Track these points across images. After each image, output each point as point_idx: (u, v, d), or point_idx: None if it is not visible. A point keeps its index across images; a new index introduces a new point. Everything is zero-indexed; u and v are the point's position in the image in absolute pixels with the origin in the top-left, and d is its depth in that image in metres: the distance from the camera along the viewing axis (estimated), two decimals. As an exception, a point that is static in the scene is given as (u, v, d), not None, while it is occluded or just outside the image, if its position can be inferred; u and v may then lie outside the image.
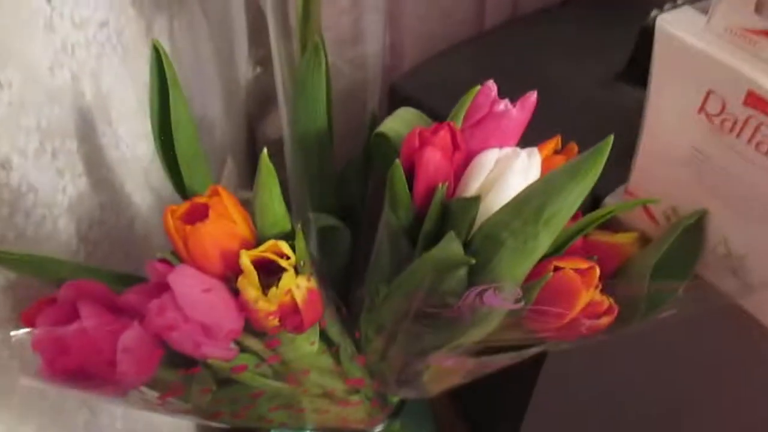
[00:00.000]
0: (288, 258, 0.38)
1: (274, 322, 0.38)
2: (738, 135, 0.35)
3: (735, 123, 0.35)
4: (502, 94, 0.41)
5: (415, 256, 0.41)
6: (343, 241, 0.52)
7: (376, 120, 0.50)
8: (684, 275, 0.41)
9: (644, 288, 0.40)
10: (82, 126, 0.44)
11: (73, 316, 0.37)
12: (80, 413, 0.50)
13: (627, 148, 0.43)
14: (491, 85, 0.40)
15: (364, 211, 0.56)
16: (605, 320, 0.40)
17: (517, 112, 0.39)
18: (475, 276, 0.38)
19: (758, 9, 0.34)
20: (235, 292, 0.38)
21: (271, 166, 0.38)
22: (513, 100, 0.40)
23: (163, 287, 0.36)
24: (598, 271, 0.39)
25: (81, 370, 0.37)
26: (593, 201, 0.48)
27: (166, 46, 0.40)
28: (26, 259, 0.39)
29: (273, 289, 0.37)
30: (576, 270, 0.38)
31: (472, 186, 0.39)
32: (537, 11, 0.77)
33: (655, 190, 0.42)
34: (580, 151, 0.37)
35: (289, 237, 0.40)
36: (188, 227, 0.37)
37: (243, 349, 0.41)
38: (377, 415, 0.58)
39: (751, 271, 0.39)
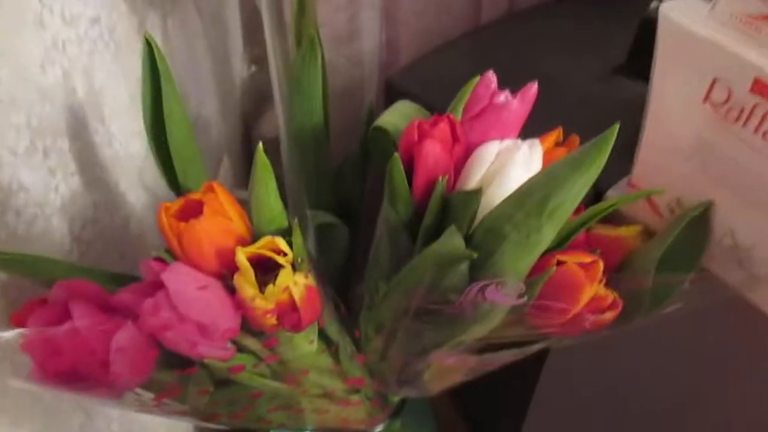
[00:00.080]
0: (285, 255, 0.38)
1: (272, 320, 0.37)
2: (744, 124, 0.35)
3: (741, 112, 0.35)
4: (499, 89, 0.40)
5: (415, 252, 0.40)
6: (341, 238, 0.52)
7: (374, 115, 0.50)
8: (689, 268, 0.41)
9: (649, 282, 0.39)
10: (74, 124, 0.44)
11: (65, 316, 0.36)
12: (75, 416, 0.50)
13: (628, 141, 0.42)
14: (491, 76, 0.40)
15: (361, 208, 0.56)
16: (609, 315, 0.39)
17: (518, 104, 0.39)
18: (476, 271, 0.37)
19: (763, -5, 0.33)
20: (231, 291, 0.37)
21: (266, 160, 0.37)
22: (512, 94, 0.40)
23: (158, 286, 0.36)
24: (601, 264, 0.38)
25: (74, 372, 0.37)
26: (595, 195, 0.47)
27: (159, 44, 0.40)
28: (17, 259, 0.38)
29: (270, 287, 0.36)
30: (579, 264, 0.38)
31: (473, 179, 0.38)
32: (533, 6, 0.77)
33: (659, 182, 0.42)
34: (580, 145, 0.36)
35: (285, 234, 0.39)
36: (182, 224, 0.36)
37: (240, 348, 0.41)
38: (377, 414, 0.57)
39: (757, 262, 0.39)
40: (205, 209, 0.37)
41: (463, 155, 0.39)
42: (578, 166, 0.32)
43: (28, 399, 0.44)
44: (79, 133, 0.44)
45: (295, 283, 0.37)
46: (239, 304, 0.37)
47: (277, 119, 0.58)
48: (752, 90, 0.34)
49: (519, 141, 0.38)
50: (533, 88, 0.39)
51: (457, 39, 0.73)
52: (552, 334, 0.41)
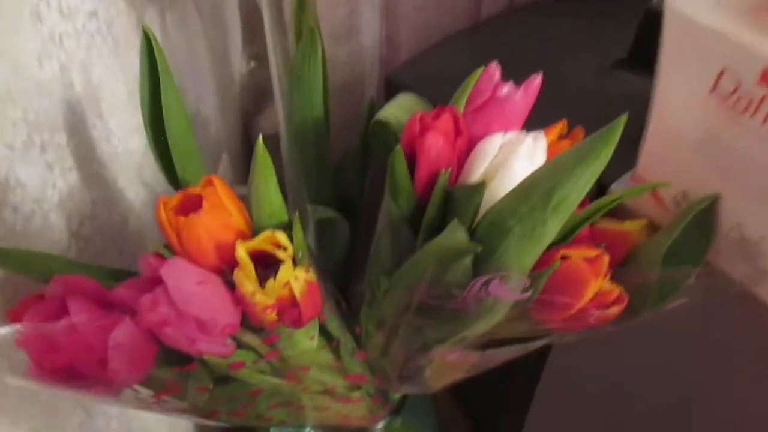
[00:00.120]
0: (285, 249, 0.37)
1: (272, 316, 0.37)
2: (753, 115, 0.34)
3: (750, 103, 0.34)
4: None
5: (417, 246, 0.40)
6: (342, 233, 0.51)
7: (375, 109, 0.50)
8: (696, 262, 0.40)
9: (655, 276, 0.39)
10: (72, 119, 0.44)
11: (62, 312, 0.36)
12: (74, 414, 0.50)
13: (630, 135, 0.42)
14: (494, 68, 0.39)
15: (362, 203, 0.55)
16: (614, 310, 0.39)
17: (521, 96, 0.38)
18: (480, 265, 0.37)
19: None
20: (231, 286, 0.37)
21: (266, 154, 0.37)
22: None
23: (156, 281, 0.35)
24: (606, 259, 0.38)
25: (71, 369, 0.36)
26: (598, 189, 0.47)
27: (158, 39, 0.40)
28: (14, 254, 0.38)
29: (270, 282, 0.36)
30: (584, 258, 0.37)
31: (476, 172, 0.37)
32: (533, 1, 0.77)
33: (664, 175, 0.41)
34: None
35: (286, 228, 0.39)
36: (181, 219, 0.36)
37: (240, 345, 0.40)
38: (378, 411, 0.57)
39: (765, 255, 0.38)
40: (205, 203, 0.36)
41: (465, 148, 0.38)
42: (585, 158, 0.32)
43: (26, 397, 0.43)
44: (77, 128, 0.44)
45: (296, 278, 0.36)
46: (239, 300, 0.37)
47: (277, 114, 0.58)
48: (761, 81, 0.33)
49: (523, 133, 0.38)
50: (537, 79, 0.38)
51: (457, 34, 0.73)
52: (556, 329, 0.41)
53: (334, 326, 0.45)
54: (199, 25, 0.66)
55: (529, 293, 0.36)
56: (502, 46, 0.69)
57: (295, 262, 0.37)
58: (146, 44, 0.39)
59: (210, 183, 0.37)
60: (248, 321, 0.38)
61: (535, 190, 0.34)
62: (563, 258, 0.37)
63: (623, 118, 0.31)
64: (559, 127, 0.42)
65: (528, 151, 0.37)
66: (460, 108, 0.40)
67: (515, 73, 0.41)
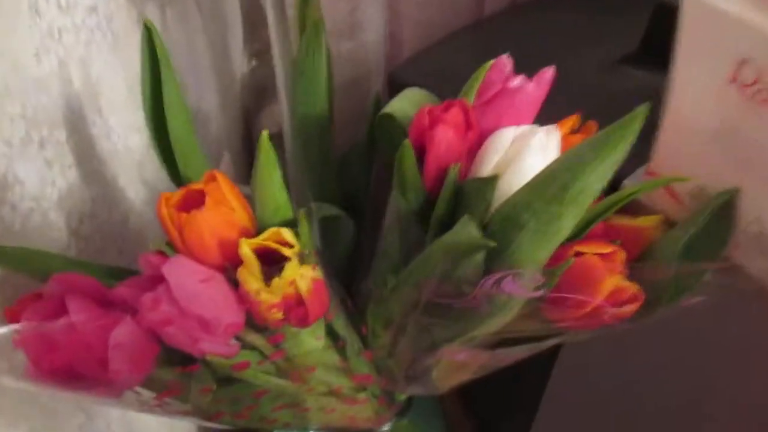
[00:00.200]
0: (291, 246, 0.36)
1: (278, 315, 0.36)
2: (773, 106, 0.33)
3: (771, 93, 0.33)
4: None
5: (427, 243, 0.39)
6: (346, 230, 0.51)
7: (381, 103, 0.49)
8: (713, 258, 0.39)
9: (671, 272, 0.38)
10: (71, 115, 0.43)
11: (61, 311, 0.35)
12: (74, 417, 0.49)
13: (642, 130, 0.41)
14: (506, 60, 0.38)
15: (366, 199, 0.55)
16: (630, 308, 0.38)
17: (533, 88, 0.38)
18: (492, 262, 0.36)
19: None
20: (235, 284, 0.36)
21: (271, 148, 0.37)
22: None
23: (158, 279, 0.35)
24: (621, 255, 0.37)
25: (70, 370, 0.36)
26: (611, 186, 0.46)
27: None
28: (12, 253, 0.38)
29: (276, 280, 0.35)
30: (598, 255, 0.37)
31: (487, 166, 0.37)
32: (537, -3, 0.76)
33: (680, 169, 0.40)
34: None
35: (290, 225, 0.38)
36: (184, 215, 0.35)
37: (244, 345, 0.40)
38: (384, 413, 0.56)
39: (786, 251, 0.38)
40: (207, 200, 0.36)
41: (476, 142, 0.38)
42: (602, 149, 0.31)
43: (25, 399, 0.43)
44: (76, 124, 0.44)
45: (302, 275, 0.36)
46: (243, 298, 0.36)
47: (281, 110, 0.57)
48: (783, 70, 0.32)
49: (535, 127, 0.37)
50: (549, 71, 0.38)
51: (461, 31, 0.72)
52: (569, 327, 0.40)
53: (341, 325, 0.44)
54: (199, 22, 0.66)
55: (544, 291, 0.35)
56: (506, 42, 0.68)
57: (301, 260, 0.36)
58: (147, 37, 0.39)
59: (213, 179, 0.37)
60: (253, 320, 0.38)
61: (551, 184, 0.33)
62: (577, 254, 0.37)
63: (643, 108, 0.30)
64: (572, 121, 0.41)
65: (541, 145, 0.36)
66: (470, 100, 0.40)
67: (519, 70, 0.40)
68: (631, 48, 0.62)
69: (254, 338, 0.39)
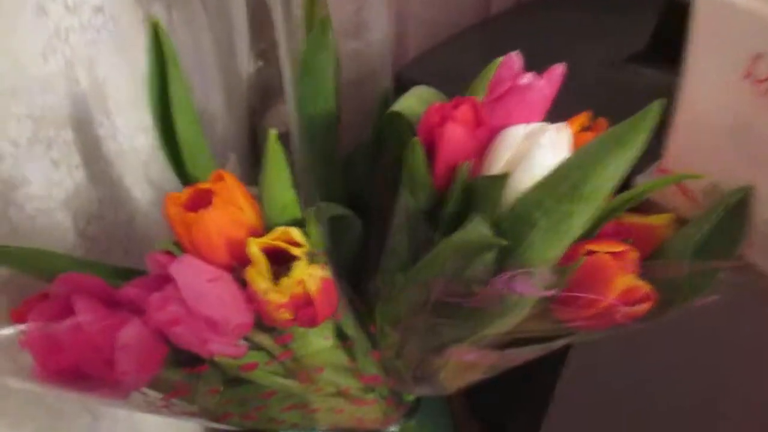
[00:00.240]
0: (300, 246, 0.36)
1: (286, 315, 0.36)
2: (788, 101, 0.33)
3: (786, 88, 0.33)
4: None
5: (436, 241, 0.38)
6: (353, 230, 0.50)
7: (388, 102, 0.49)
8: (727, 256, 0.39)
9: (684, 271, 0.37)
10: (78, 115, 0.43)
11: (68, 311, 0.35)
12: (81, 417, 0.49)
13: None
14: (515, 57, 0.38)
15: (373, 198, 0.55)
16: (642, 307, 0.37)
17: (544, 84, 0.37)
18: (503, 260, 0.36)
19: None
20: (243, 284, 0.36)
21: (279, 147, 0.36)
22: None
23: (165, 279, 0.35)
24: (634, 254, 0.36)
25: (77, 371, 0.35)
26: (622, 184, 0.46)
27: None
28: (18, 253, 0.38)
29: (284, 279, 0.35)
30: (610, 253, 0.36)
31: (497, 164, 0.36)
32: (543, -4, 0.76)
33: (692, 166, 0.40)
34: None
35: (298, 224, 0.38)
36: (191, 215, 0.35)
37: (252, 345, 0.39)
38: (392, 414, 0.56)
39: (800, 249, 0.37)
40: (215, 199, 0.35)
41: (485, 139, 0.37)
42: (615, 146, 0.31)
43: (31, 399, 0.43)
44: (83, 124, 0.43)
45: (311, 275, 0.35)
46: (251, 298, 0.36)
47: (287, 110, 0.57)
48: (798, 65, 0.32)
49: (546, 124, 0.37)
50: (560, 68, 0.37)
51: (466, 30, 0.72)
52: (581, 327, 0.39)
53: (349, 325, 0.43)
54: (205, 22, 0.65)
55: (556, 289, 0.35)
56: (511, 42, 0.68)
57: (310, 259, 0.36)
58: (154, 36, 0.38)
59: (220, 178, 0.36)
60: (261, 321, 0.37)
61: (563, 182, 0.33)
62: (589, 253, 0.36)
63: (657, 105, 0.30)
64: (582, 118, 0.41)
65: (551, 142, 0.36)
66: (480, 97, 0.39)
67: (527, 69, 0.40)
68: (637, 46, 0.61)
69: (262, 338, 0.39)
